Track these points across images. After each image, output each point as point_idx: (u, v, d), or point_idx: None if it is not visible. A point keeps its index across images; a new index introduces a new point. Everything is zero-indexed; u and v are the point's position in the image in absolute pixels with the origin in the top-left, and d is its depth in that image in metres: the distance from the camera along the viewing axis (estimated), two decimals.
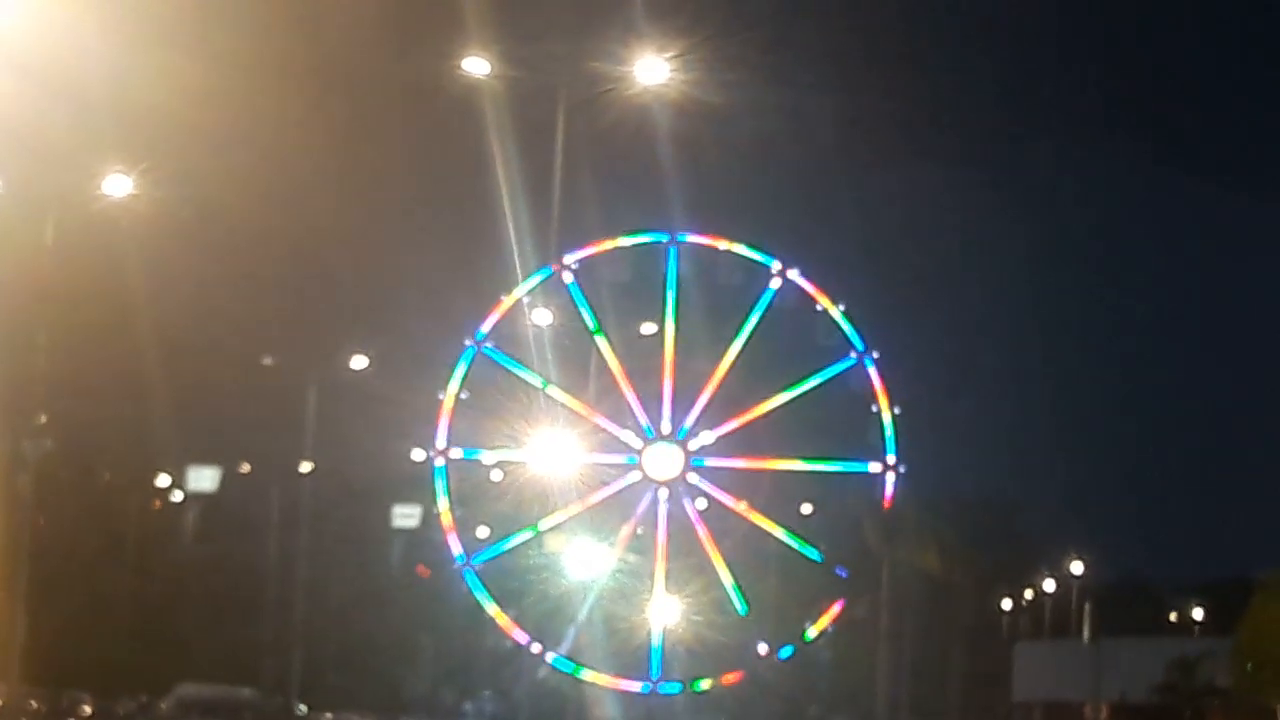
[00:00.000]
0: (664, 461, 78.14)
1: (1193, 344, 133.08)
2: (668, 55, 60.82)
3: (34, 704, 57.51)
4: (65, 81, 50.61)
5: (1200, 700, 66.44)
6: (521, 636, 75.97)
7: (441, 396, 77.46)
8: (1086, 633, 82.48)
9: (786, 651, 79.14)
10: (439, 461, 77.34)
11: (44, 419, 59.59)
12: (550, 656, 76.30)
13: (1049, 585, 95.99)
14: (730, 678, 78.80)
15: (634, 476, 78.41)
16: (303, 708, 55.70)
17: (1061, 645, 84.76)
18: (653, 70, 58.44)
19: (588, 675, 76.85)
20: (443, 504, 77.35)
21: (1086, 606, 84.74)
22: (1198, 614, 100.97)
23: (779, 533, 78.56)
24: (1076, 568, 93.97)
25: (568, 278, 77.72)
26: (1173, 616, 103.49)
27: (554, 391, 77.26)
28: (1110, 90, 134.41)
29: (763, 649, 78.81)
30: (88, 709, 59.85)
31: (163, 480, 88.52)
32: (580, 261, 77.87)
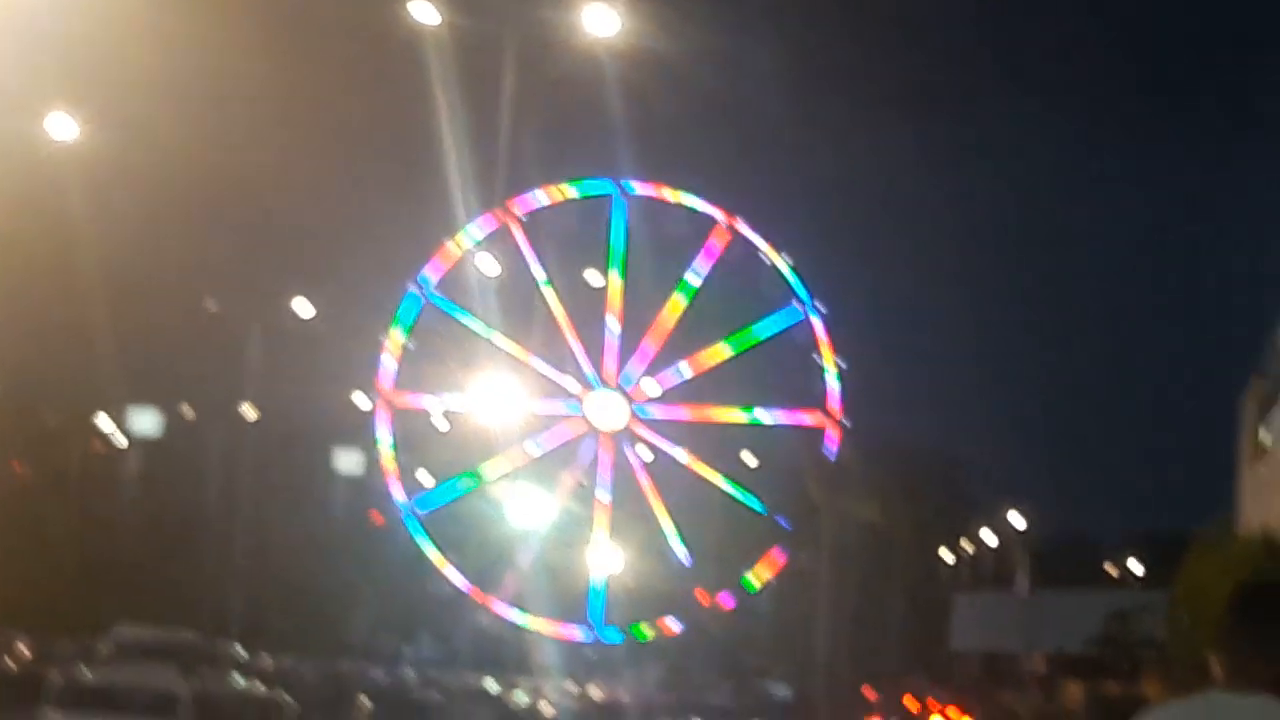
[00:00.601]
0: (608, 411, 78.17)
1: (1135, 300, 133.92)
2: (617, 5, 60.52)
3: None
4: (6, 18, 50.21)
5: (1137, 652, 66.86)
6: (462, 582, 76.01)
7: (385, 342, 77.35)
8: (1024, 585, 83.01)
9: (728, 601, 79.47)
10: (382, 407, 77.28)
11: None
12: (493, 603, 76.39)
13: (989, 538, 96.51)
14: (671, 626, 79.04)
15: (578, 426, 78.46)
16: (241, 650, 55.70)
17: (1000, 597, 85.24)
18: (602, 20, 58.20)
19: (529, 622, 76.97)
20: (385, 449, 77.30)
21: (1025, 559, 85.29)
22: (1136, 567, 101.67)
23: (722, 483, 78.78)
24: (1016, 520, 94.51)
25: (514, 226, 77.60)
26: (1111, 570, 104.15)
27: (499, 339, 77.18)
28: (1056, 45, 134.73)
29: (704, 598, 79.07)
30: (23, 648, 59.64)
31: (104, 422, 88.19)
32: (527, 210, 77.74)
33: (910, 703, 76.87)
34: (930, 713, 75.14)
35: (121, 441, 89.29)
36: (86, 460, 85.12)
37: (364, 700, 52.89)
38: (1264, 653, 6.24)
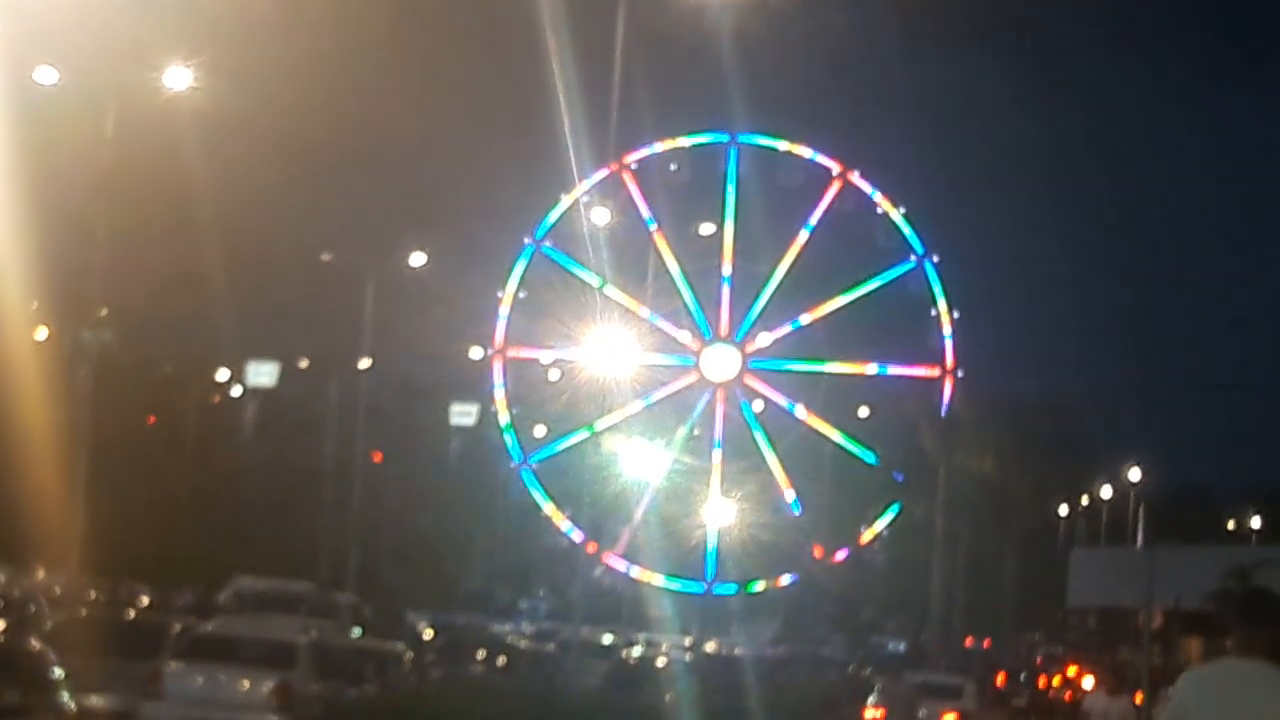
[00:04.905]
0: (721, 363, 77.93)
1: (1258, 250, 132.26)
2: None
3: (92, 593, 57.97)
4: None
5: None
6: (577, 535, 76.08)
7: (500, 295, 77.44)
8: (1141, 539, 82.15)
9: (841, 555, 79.20)
10: (496, 359, 77.41)
11: (104, 311, 59.71)
12: (607, 557, 76.45)
13: (1105, 491, 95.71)
14: (784, 580, 78.88)
15: (691, 378, 78.27)
16: (358, 602, 56.08)
17: (1117, 552, 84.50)
18: None
19: (643, 575, 77.01)
20: (499, 402, 77.45)
21: (1142, 513, 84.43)
22: (1255, 522, 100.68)
23: (836, 436, 78.39)
24: (1134, 474, 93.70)
25: (627, 177, 77.39)
26: (1230, 524, 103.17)
27: (611, 291, 77.04)
28: None
29: (817, 551, 78.82)
30: (145, 599, 60.36)
31: (222, 374, 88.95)
32: (640, 161, 77.50)
33: (1038, 661, 76.32)
34: (1054, 669, 74.58)
35: (239, 393, 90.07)
36: (205, 412, 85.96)
37: (480, 652, 53.05)
38: (1258, 633, 9.85)
